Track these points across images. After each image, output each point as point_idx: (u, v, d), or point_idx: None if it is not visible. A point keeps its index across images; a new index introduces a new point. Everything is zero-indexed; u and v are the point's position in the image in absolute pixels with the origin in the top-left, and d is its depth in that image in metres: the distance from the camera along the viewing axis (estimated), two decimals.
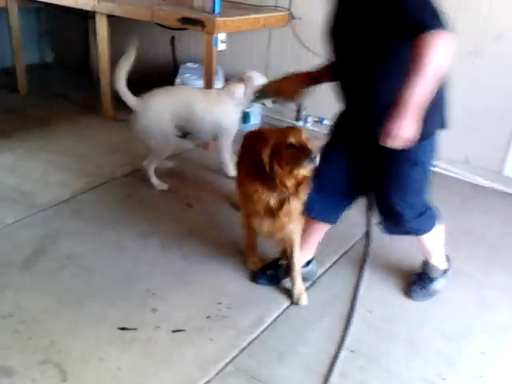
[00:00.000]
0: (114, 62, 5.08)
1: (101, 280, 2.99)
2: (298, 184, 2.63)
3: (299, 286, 2.95)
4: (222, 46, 4.56)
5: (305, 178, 2.63)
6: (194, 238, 3.43)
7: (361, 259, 3.34)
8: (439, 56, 2.08)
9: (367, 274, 3.20)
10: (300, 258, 2.99)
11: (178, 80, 5.09)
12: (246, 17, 4.71)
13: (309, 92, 2.93)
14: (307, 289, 3.04)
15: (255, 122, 5.32)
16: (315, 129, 5.21)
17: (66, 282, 2.97)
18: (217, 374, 2.43)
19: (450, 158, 4.38)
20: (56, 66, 7.14)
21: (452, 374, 2.54)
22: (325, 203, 2.82)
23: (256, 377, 2.43)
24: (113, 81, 3.82)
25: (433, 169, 2.66)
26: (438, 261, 3.07)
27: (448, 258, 3.12)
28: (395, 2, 2.15)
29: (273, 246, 3.14)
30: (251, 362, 2.51)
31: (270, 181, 2.62)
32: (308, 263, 3.10)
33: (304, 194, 2.69)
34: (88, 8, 5.09)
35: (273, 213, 2.72)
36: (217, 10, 4.43)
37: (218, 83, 4.72)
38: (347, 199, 2.88)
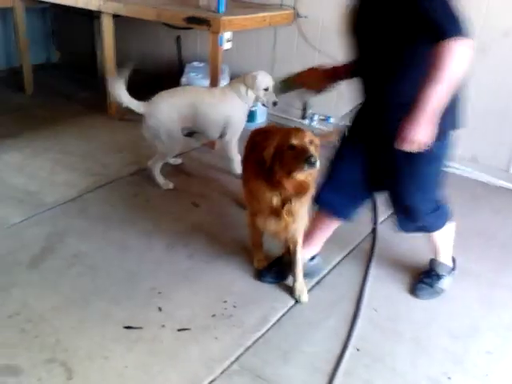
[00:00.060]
0: (120, 62, 5.14)
1: (107, 279, 3.00)
2: (297, 185, 2.63)
3: (301, 284, 2.95)
4: (227, 45, 4.57)
5: (305, 180, 2.63)
6: (199, 237, 3.43)
7: (366, 258, 3.34)
8: (458, 64, 2.13)
9: (373, 273, 3.19)
10: (307, 252, 3.03)
11: (183, 79, 5.10)
12: (252, 15, 4.71)
13: (333, 87, 2.95)
14: (312, 287, 3.04)
15: (261, 120, 5.33)
16: (321, 127, 5.20)
17: (72, 280, 2.99)
18: (222, 372, 2.44)
19: (457, 156, 4.36)
20: (62, 65, 7.17)
21: (458, 373, 2.54)
22: (339, 198, 2.84)
23: (261, 375, 2.43)
24: (114, 96, 3.82)
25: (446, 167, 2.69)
26: (445, 258, 3.07)
27: (454, 259, 3.12)
28: (417, 5, 2.17)
29: (278, 244, 3.14)
30: (256, 360, 2.52)
31: (272, 180, 2.63)
32: (313, 258, 3.11)
33: (305, 196, 2.69)
34: (94, 8, 5.10)
35: (276, 212, 2.72)
36: (222, 8, 4.43)
37: (224, 82, 4.72)
38: (361, 195, 2.90)
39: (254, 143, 2.95)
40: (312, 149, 2.53)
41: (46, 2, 5.51)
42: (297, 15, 5.08)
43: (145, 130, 3.89)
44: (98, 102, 5.61)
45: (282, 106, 5.34)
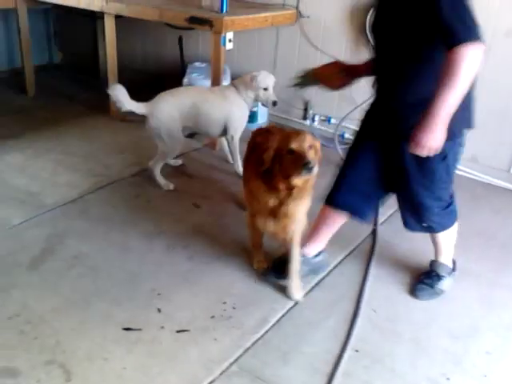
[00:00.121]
0: (122, 63, 5.16)
1: (107, 280, 3.01)
2: (295, 189, 2.64)
3: (296, 283, 2.95)
4: (229, 46, 4.57)
5: (303, 184, 2.64)
6: (199, 238, 3.44)
7: (366, 258, 3.34)
8: (469, 70, 2.17)
9: (373, 274, 3.19)
10: (312, 248, 3.06)
11: (185, 80, 5.10)
12: (254, 15, 4.71)
13: (350, 83, 2.96)
14: (312, 288, 3.05)
15: (262, 121, 5.33)
16: (322, 127, 5.20)
17: (73, 281, 2.99)
18: (221, 373, 2.44)
19: None
20: (64, 66, 7.19)
21: (457, 374, 2.54)
22: (354, 198, 2.86)
23: (260, 377, 2.43)
24: (115, 103, 3.85)
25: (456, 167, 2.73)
26: (446, 259, 3.07)
27: (454, 261, 3.12)
28: (434, 8, 2.19)
29: (279, 244, 3.15)
30: (255, 361, 2.52)
31: (270, 182, 2.65)
32: (318, 254, 3.12)
33: (302, 199, 2.70)
34: (96, 9, 5.11)
35: (274, 213, 2.74)
36: (225, 9, 4.43)
37: (226, 82, 4.73)
38: (376, 194, 2.92)
39: (255, 144, 2.95)
40: (311, 154, 2.53)
41: (49, 3, 5.52)
42: (299, 15, 5.07)
43: (147, 130, 3.91)
44: (99, 102, 5.61)
45: (283, 106, 5.36)
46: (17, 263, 3.10)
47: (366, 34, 4.63)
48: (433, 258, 3.11)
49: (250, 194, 2.89)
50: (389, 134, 2.65)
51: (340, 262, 3.29)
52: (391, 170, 2.73)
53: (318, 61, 4.99)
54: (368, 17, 4.56)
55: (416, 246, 3.42)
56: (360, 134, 2.88)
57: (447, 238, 2.98)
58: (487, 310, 2.99)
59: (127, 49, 6.10)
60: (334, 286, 3.09)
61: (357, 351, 2.62)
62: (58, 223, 3.52)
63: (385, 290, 3.09)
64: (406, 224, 2.91)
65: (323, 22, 4.99)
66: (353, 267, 3.26)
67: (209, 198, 3.99)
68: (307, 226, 2.94)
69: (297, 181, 2.60)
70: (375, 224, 3.67)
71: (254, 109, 5.08)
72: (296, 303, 2.92)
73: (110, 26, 5.13)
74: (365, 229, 3.52)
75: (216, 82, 4.52)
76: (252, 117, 5.07)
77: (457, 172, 4.36)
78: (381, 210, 3.71)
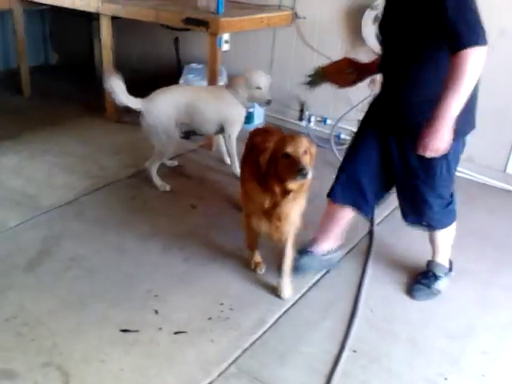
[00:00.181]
0: (118, 64, 5.14)
1: (103, 282, 3.00)
2: (289, 192, 2.64)
3: (286, 281, 2.96)
4: (225, 47, 4.57)
5: (297, 188, 2.65)
6: (195, 240, 3.43)
7: (363, 259, 3.34)
8: (474, 73, 2.22)
9: (370, 274, 3.20)
10: (325, 246, 3.11)
11: (182, 81, 5.11)
12: (250, 17, 4.72)
13: (359, 81, 3.01)
14: (309, 288, 3.05)
15: (258, 121, 5.33)
16: (318, 128, 5.20)
17: (69, 283, 2.99)
18: (219, 375, 2.44)
19: None
20: (60, 67, 7.17)
21: (454, 374, 2.54)
22: (356, 193, 2.90)
23: (258, 378, 2.43)
24: (112, 95, 3.83)
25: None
26: (443, 259, 3.08)
27: (450, 261, 3.13)
28: (440, 9, 2.23)
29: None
30: (253, 362, 2.52)
31: (266, 184, 2.66)
32: (330, 251, 3.16)
33: (295, 202, 2.71)
34: (92, 10, 5.09)
35: (268, 214, 2.74)
36: (221, 10, 4.43)
37: (222, 83, 4.73)
38: (378, 189, 2.95)
39: (253, 144, 2.96)
40: (306, 159, 2.54)
41: (44, 4, 5.51)
42: (295, 16, 5.08)
43: (142, 127, 3.92)
44: (95, 104, 5.61)
45: (279, 107, 5.37)
46: (13, 265, 3.09)
47: (362, 35, 4.65)
48: (429, 258, 3.12)
49: (246, 195, 2.91)
50: (392, 130, 2.70)
51: (337, 263, 3.29)
52: (393, 165, 2.77)
53: (315, 62, 4.99)
54: (363, 18, 4.58)
55: (413, 246, 3.43)
56: (362, 129, 2.92)
57: (445, 238, 2.99)
58: (483, 309, 2.99)
59: (123, 50, 6.09)
60: (331, 287, 3.09)
61: (354, 351, 2.62)
62: (55, 225, 3.51)
63: (382, 290, 3.09)
64: (406, 219, 2.95)
65: (319, 23, 4.99)
66: (350, 267, 3.27)
67: (205, 198, 3.99)
68: (301, 226, 2.93)
69: (292, 185, 2.61)
70: (372, 224, 3.68)
71: (251, 110, 5.09)
72: (293, 304, 2.92)
73: (105, 27, 5.11)
74: (361, 229, 3.52)
75: (212, 83, 4.51)
76: (248, 118, 5.07)
77: None
78: (377, 211, 3.71)
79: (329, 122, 5.10)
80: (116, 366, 2.44)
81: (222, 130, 4.17)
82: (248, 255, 3.19)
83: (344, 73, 2.95)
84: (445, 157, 2.51)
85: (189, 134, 4.97)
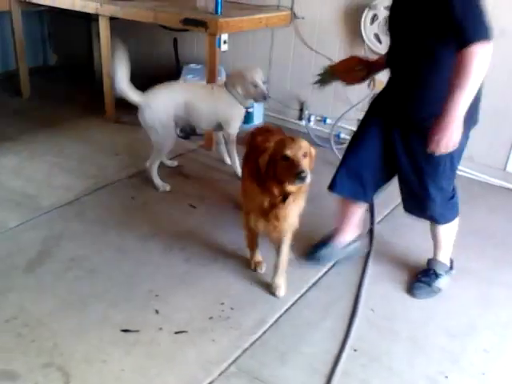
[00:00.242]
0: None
1: (104, 282, 3.00)
2: (286, 194, 2.65)
3: (279, 279, 2.97)
4: (224, 47, 4.57)
5: (295, 191, 2.65)
6: (196, 240, 3.43)
7: (363, 258, 3.34)
8: (480, 69, 2.26)
9: (370, 273, 3.20)
10: (342, 239, 3.21)
11: (180, 81, 5.10)
12: (249, 17, 4.72)
13: (368, 77, 3.06)
14: (309, 288, 3.05)
15: (258, 121, 5.33)
16: (318, 128, 5.20)
17: (69, 284, 2.98)
18: (220, 374, 2.44)
19: None
20: (59, 68, 7.16)
21: (455, 372, 2.54)
22: (356, 184, 2.96)
23: (259, 377, 2.43)
24: (115, 83, 3.84)
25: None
26: (444, 257, 3.09)
27: (451, 260, 3.13)
28: (446, 5, 2.25)
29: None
30: (254, 362, 2.52)
31: (264, 185, 2.65)
32: (349, 243, 3.24)
33: (293, 204, 2.71)
34: (91, 11, 5.10)
35: (267, 214, 2.74)
36: (219, 10, 4.43)
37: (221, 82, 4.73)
38: (378, 179, 3.00)
39: (253, 143, 2.95)
40: (305, 162, 2.53)
41: (43, 5, 5.51)
42: (294, 16, 5.08)
43: (141, 120, 3.93)
44: (95, 104, 5.61)
45: (279, 107, 5.38)
46: (13, 266, 3.09)
47: (361, 35, 4.65)
48: (430, 256, 3.12)
49: (246, 194, 2.92)
50: (397, 123, 2.73)
51: (337, 262, 3.29)
52: (395, 158, 2.80)
53: (313, 62, 5.03)
54: (362, 18, 4.59)
55: (413, 245, 3.44)
56: (366, 118, 2.96)
57: (447, 233, 3.00)
58: (484, 308, 2.99)
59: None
60: (331, 286, 3.09)
61: (355, 350, 2.62)
62: (55, 225, 3.51)
63: (382, 288, 3.09)
64: (408, 210, 2.98)
65: (318, 23, 4.99)
66: (350, 266, 3.27)
67: (205, 198, 3.99)
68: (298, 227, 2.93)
69: (290, 187, 2.60)
70: (372, 223, 3.68)
71: (250, 110, 5.09)
72: (294, 303, 2.92)
73: (104, 28, 5.11)
74: (362, 228, 3.52)
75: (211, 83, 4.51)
76: (248, 117, 5.08)
77: None
78: (377, 209, 3.72)
79: (328, 121, 5.10)
80: (117, 367, 2.44)
81: (219, 127, 4.18)
82: (249, 255, 3.19)
83: (353, 70, 2.97)
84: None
85: (188, 134, 4.98)
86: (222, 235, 3.49)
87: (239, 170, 4.08)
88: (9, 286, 2.92)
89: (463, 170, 4.48)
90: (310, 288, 3.06)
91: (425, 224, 3.03)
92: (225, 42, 4.55)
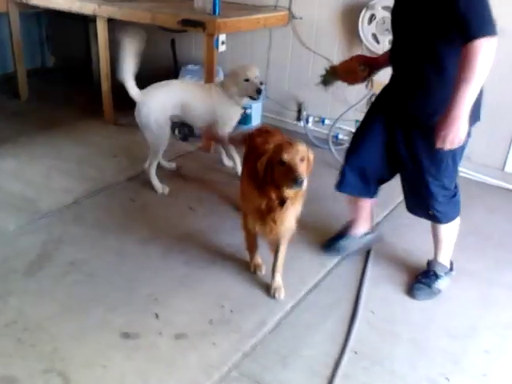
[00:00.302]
0: (115, 66, 5.12)
1: (103, 286, 2.99)
2: (283, 199, 2.64)
3: (278, 281, 2.98)
4: (222, 48, 4.56)
5: (293, 195, 2.64)
6: (195, 242, 3.42)
7: (363, 260, 3.34)
8: (485, 63, 2.27)
9: (369, 275, 3.19)
10: (357, 231, 3.30)
11: None
12: (247, 17, 4.72)
13: (371, 76, 3.06)
14: (309, 291, 3.05)
15: (256, 122, 5.31)
16: (316, 129, 5.20)
17: (69, 288, 2.97)
18: (220, 378, 2.43)
19: None
20: (57, 70, 7.13)
21: (456, 374, 2.54)
22: (361, 182, 3.01)
23: (260, 381, 2.43)
24: (119, 71, 3.82)
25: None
26: (444, 258, 3.09)
27: (451, 261, 3.13)
28: (455, 4, 2.27)
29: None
30: (255, 366, 2.51)
31: (262, 188, 2.65)
32: (367, 233, 3.36)
33: (292, 206, 2.70)
34: (88, 12, 5.08)
35: (265, 217, 2.73)
36: (217, 11, 4.43)
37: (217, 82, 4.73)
38: (382, 175, 3.04)
39: (253, 144, 2.94)
40: (303, 167, 2.52)
41: (41, 7, 5.50)
42: (292, 17, 5.07)
43: (137, 117, 3.94)
44: (93, 106, 5.60)
45: (277, 108, 5.37)
46: (13, 270, 3.08)
47: (358, 35, 4.64)
48: (430, 257, 3.12)
49: (244, 195, 2.92)
50: (399, 121, 2.75)
51: (336, 264, 3.29)
52: (398, 156, 2.82)
53: (311, 62, 5.03)
54: (360, 18, 4.58)
55: (412, 245, 3.43)
56: (369, 115, 2.98)
57: (449, 234, 3.00)
58: (485, 309, 2.99)
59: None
60: (331, 288, 3.09)
61: (356, 353, 2.61)
62: (54, 229, 3.50)
63: (382, 290, 3.09)
64: (410, 209, 3.00)
65: (316, 23, 4.98)
66: (349, 269, 3.26)
67: (204, 201, 3.98)
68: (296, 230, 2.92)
69: (288, 192, 2.59)
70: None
71: (248, 111, 5.09)
72: (294, 306, 2.91)
73: (102, 30, 5.10)
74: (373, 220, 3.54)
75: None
76: (246, 119, 5.08)
77: None
78: (376, 211, 3.71)
79: (327, 122, 5.09)
80: (117, 371, 2.43)
81: (214, 126, 4.19)
82: (248, 257, 3.18)
83: (355, 71, 2.98)
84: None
85: (187, 136, 4.97)
86: (222, 238, 3.49)
87: (239, 169, 4.11)
88: (8, 290, 2.91)
89: (461, 169, 4.46)
90: (310, 290, 3.05)
91: (424, 225, 3.03)
92: (223, 43, 4.54)
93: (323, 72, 3.16)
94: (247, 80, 3.97)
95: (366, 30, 4.61)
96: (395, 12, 2.68)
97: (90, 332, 2.65)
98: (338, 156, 4.53)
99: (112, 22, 5.10)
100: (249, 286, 3.06)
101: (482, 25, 2.24)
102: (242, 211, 3.07)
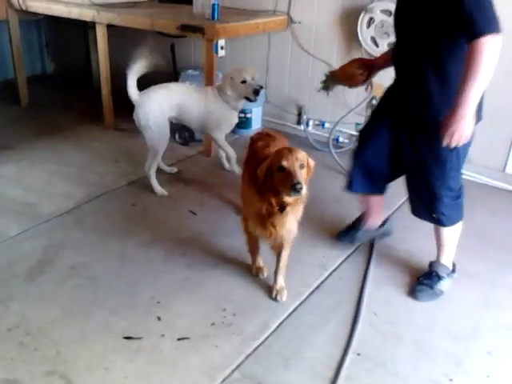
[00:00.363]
0: (115, 72, 5.14)
1: (105, 289, 2.99)
2: (282, 204, 2.63)
3: (280, 283, 2.98)
4: (221, 53, 4.58)
5: (292, 201, 2.63)
6: (197, 246, 3.43)
7: (365, 261, 3.34)
8: (490, 61, 2.28)
9: (372, 276, 3.19)
10: (371, 224, 3.38)
11: None
12: (246, 22, 4.73)
13: (370, 78, 3.10)
14: (312, 292, 3.04)
15: (256, 126, 5.32)
16: (316, 132, 5.20)
17: (70, 292, 2.97)
18: (223, 381, 2.43)
19: None
20: (57, 76, 7.16)
21: (459, 375, 2.53)
22: (369, 181, 3.07)
23: (262, 383, 2.42)
24: (127, 71, 3.93)
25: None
26: (447, 259, 3.09)
27: (453, 263, 3.13)
28: (460, 3, 2.28)
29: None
30: (257, 368, 2.51)
31: (262, 193, 2.64)
32: (381, 225, 3.45)
33: (292, 211, 2.70)
34: (88, 19, 5.10)
35: (265, 221, 2.72)
36: (216, 16, 4.44)
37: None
38: (389, 175, 3.09)
39: (255, 148, 2.94)
40: (302, 173, 2.51)
41: (40, 14, 5.51)
42: (290, 21, 5.08)
43: (136, 119, 3.98)
44: (93, 112, 5.61)
45: (277, 111, 5.37)
46: (14, 275, 3.08)
47: (358, 39, 4.65)
48: (432, 259, 3.12)
49: (244, 199, 2.93)
50: (403, 122, 2.77)
51: (339, 266, 3.29)
52: (403, 159, 2.85)
53: (311, 66, 5.04)
54: (359, 21, 4.59)
55: (414, 247, 3.43)
56: (372, 121, 3.01)
57: (451, 236, 3.00)
58: (487, 310, 2.99)
59: (119, 58, 6.08)
60: (333, 290, 3.08)
61: (358, 355, 2.61)
62: (55, 234, 3.50)
63: (384, 292, 3.08)
64: (415, 212, 3.01)
65: (314, 27, 4.99)
66: (352, 270, 3.26)
67: (205, 204, 3.99)
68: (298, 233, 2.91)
69: (287, 198, 2.59)
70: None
71: (248, 115, 5.10)
72: (296, 308, 2.91)
73: (101, 36, 5.11)
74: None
75: None
76: (246, 123, 5.09)
77: None
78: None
79: (327, 125, 5.10)
80: (120, 374, 2.43)
81: (208, 129, 4.24)
82: (250, 260, 3.18)
83: (354, 74, 3.00)
84: (455, 148, 2.55)
85: (187, 140, 4.98)
86: (223, 241, 3.49)
87: (237, 168, 4.24)
88: (10, 294, 2.92)
89: (462, 171, 4.48)
90: (312, 292, 3.05)
91: (426, 227, 3.03)
92: (222, 48, 4.55)
93: (323, 78, 3.18)
94: (244, 82, 3.99)
95: (364, 33, 4.62)
96: (398, 14, 2.69)
97: (92, 335, 2.65)
98: (338, 159, 4.53)
99: (111, 29, 5.11)
100: (250, 288, 3.06)
101: (487, 22, 2.25)
102: (242, 214, 3.07)
